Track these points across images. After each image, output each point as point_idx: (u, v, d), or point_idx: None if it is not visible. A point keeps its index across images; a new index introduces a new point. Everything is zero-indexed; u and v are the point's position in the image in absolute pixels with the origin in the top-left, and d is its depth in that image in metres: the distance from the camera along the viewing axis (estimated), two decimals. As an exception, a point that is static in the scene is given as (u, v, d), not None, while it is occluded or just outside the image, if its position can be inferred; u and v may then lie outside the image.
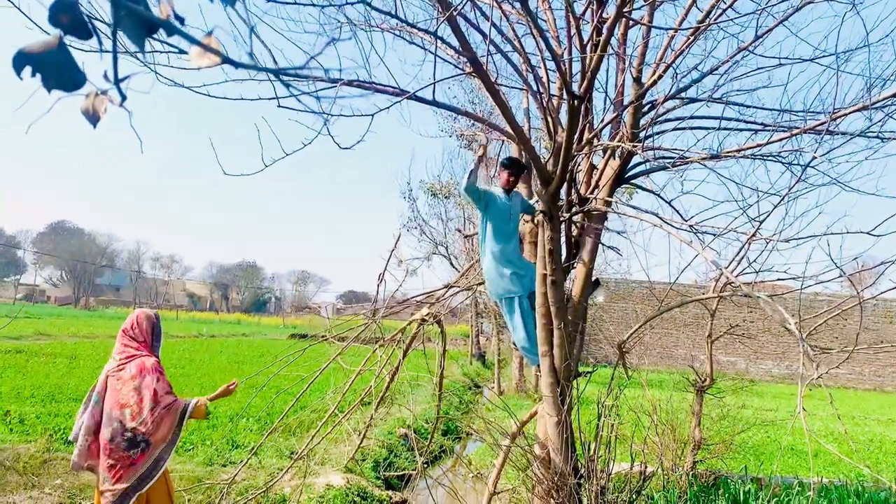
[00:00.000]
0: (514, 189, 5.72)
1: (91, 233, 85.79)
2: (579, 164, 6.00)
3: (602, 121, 5.59)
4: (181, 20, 0.83)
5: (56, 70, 0.81)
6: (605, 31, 4.24)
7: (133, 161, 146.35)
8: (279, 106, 3.60)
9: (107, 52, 0.81)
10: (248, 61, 0.83)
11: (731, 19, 5.07)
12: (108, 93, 0.86)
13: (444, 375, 7.17)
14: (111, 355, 4.34)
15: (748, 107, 5.73)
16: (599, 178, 5.78)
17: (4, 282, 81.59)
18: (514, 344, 6.00)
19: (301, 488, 6.81)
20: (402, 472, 8.69)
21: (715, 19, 5.04)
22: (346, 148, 3.72)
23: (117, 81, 0.83)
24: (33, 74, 0.82)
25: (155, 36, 0.84)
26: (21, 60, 0.80)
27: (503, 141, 9.07)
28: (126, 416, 4.07)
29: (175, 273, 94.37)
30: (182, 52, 3.27)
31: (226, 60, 0.80)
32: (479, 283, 8.50)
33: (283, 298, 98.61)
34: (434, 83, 3.99)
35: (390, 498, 7.68)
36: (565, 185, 5.43)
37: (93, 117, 0.88)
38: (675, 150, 5.50)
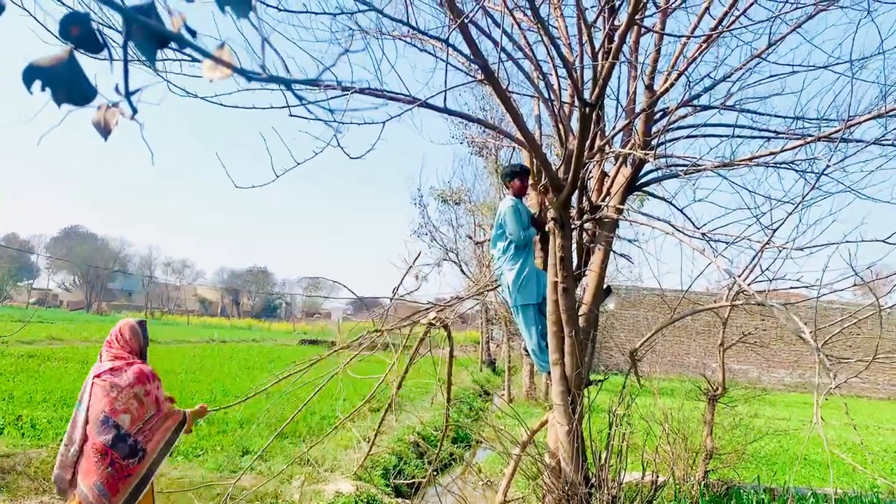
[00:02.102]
0: (525, 195, 5.73)
1: (104, 238, 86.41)
2: (591, 172, 5.99)
3: (614, 128, 5.58)
4: (192, 33, 0.83)
5: (66, 84, 0.80)
6: (616, 38, 4.23)
7: (132, 162, 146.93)
8: (291, 115, 3.60)
9: (117, 60, 0.80)
10: (261, 73, 0.82)
11: (745, 26, 5.05)
12: (119, 105, 0.85)
13: (452, 382, 7.15)
14: (99, 360, 4.20)
15: (761, 114, 5.71)
16: (611, 186, 5.76)
17: (18, 286, 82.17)
18: (525, 350, 5.98)
19: (309, 494, 6.80)
20: (411, 480, 8.67)
21: (728, 27, 5.02)
22: (357, 158, 3.73)
23: (128, 94, 0.82)
24: (43, 89, 0.81)
25: (167, 48, 0.84)
26: (31, 74, 0.80)
27: (514, 148, 9.06)
28: (125, 421, 3.94)
29: (186, 278, 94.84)
30: (195, 59, 3.28)
31: (238, 72, 0.79)
32: (491, 289, 8.47)
33: (293, 304, 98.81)
34: (445, 90, 3.98)
35: (400, 505, 7.65)
36: (577, 192, 5.42)
37: (104, 130, 0.88)
38: (688, 157, 5.47)
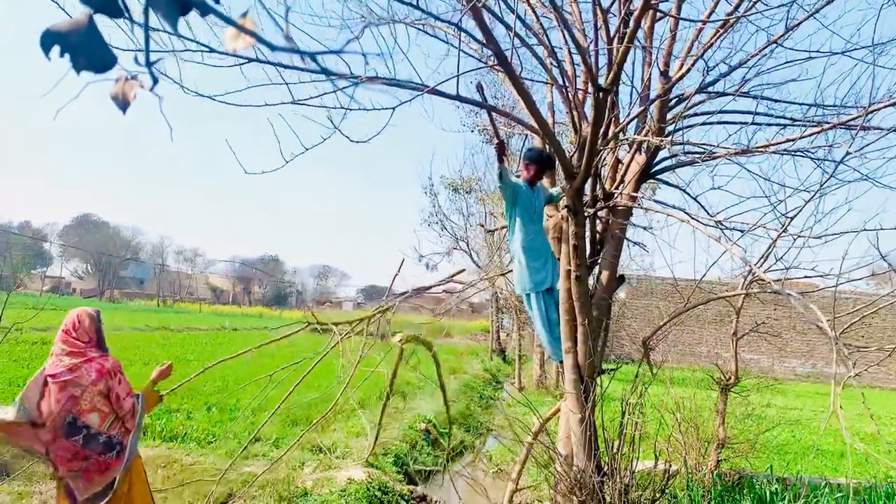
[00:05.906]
0: (538, 182, 5.66)
1: (116, 226, 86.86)
2: (605, 159, 5.93)
3: (628, 115, 5.52)
4: (216, -1, 0.80)
5: (85, 50, 0.78)
6: (631, 23, 4.17)
7: (150, 155, 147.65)
8: (295, 102, 3.64)
9: (138, 23, 0.77)
10: (285, 43, 0.80)
11: (761, 12, 4.96)
12: (139, 77, 0.83)
13: (444, 387, 7.46)
14: (53, 355, 3.97)
15: (778, 101, 5.63)
16: (625, 174, 5.70)
17: (31, 274, 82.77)
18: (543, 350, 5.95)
19: (321, 481, 6.83)
20: (422, 468, 8.70)
21: (745, 12, 4.95)
22: (361, 142, 3.74)
23: (149, 63, 0.80)
24: (62, 55, 0.79)
25: (183, 27, 0.81)
26: (49, 40, 0.78)
27: (526, 135, 9.01)
28: (94, 420, 3.88)
29: (198, 267, 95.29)
30: (212, 50, 3.26)
31: (261, 41, 0.77)
32: (501, 274, 8.48)
33: (304, 292, 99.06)
34: (457, 76, 3.95)
35: (411, 492, 7.68)
36: (590, 180, 5.37)
37: (122, 103, 0.86)
38: (703, 144, 5.41)
